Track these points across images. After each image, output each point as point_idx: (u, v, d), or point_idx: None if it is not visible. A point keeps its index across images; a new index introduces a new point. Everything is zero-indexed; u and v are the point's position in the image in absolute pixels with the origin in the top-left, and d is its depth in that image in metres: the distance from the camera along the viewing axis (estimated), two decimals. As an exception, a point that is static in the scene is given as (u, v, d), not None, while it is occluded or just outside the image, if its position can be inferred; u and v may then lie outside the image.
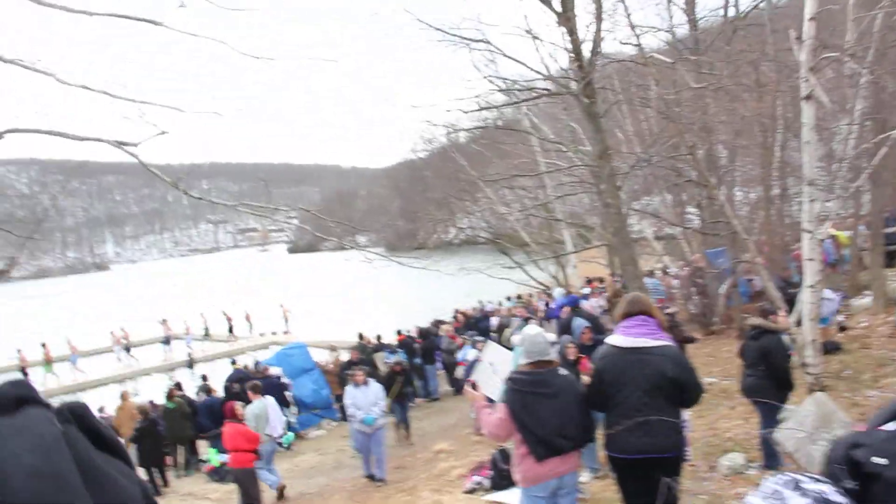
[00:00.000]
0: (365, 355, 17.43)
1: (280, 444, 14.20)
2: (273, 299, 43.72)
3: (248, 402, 11.83)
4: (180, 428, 14.49)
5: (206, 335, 37.27)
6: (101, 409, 14.83)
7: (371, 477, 11.28)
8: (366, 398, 10.94)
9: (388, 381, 13.53)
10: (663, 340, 4.75)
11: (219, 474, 14.08)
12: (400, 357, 15.07)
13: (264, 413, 12.17)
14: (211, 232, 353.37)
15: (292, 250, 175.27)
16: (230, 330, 38.07)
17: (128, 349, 34.19)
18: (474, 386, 5.48)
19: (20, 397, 0.93)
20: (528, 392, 4.79)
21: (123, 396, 15.09)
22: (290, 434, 15.22)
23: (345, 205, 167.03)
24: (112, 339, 34.53)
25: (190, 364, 31.75)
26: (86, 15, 5.86)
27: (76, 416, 0.98)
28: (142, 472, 14.17)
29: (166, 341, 35.49)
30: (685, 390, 4.65)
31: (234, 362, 18.27)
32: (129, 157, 6.42)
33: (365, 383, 11.05)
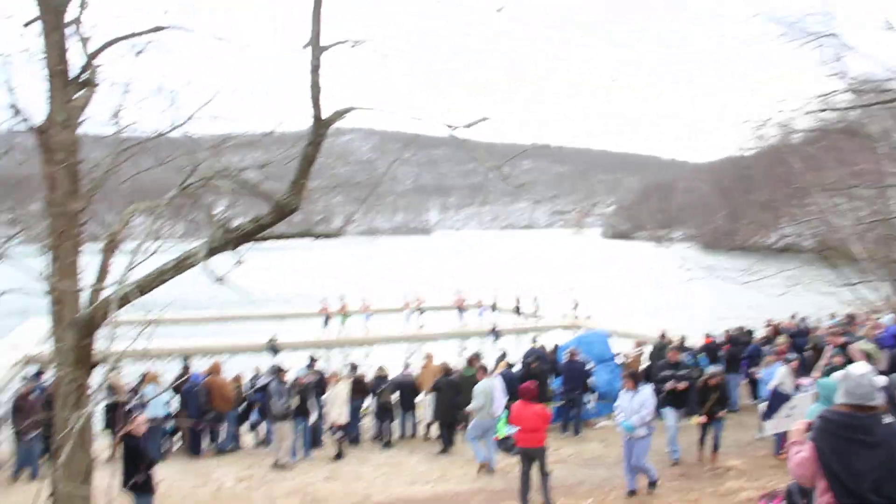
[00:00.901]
0: (659, 355, 16.99)
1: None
2: (574, 283, 44.38)
3: (544, 381, 12.41)
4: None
5: (494, 309, 38.73)
6: (406, 366, 16.38)
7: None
8: (631, 403, 10.78)
9: (701, 395, 12.59)
10: None
11: (503, 445, 14.45)
12: (717, 368, 13.57)
13: (490, 392, 12.94)
14: (528, 210, 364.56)
15: (606, 236, 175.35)
16: (517, 310, 39.13)
17: (420, 312, 36.75)
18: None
19: None
20: (842, 437, 4.17)
21: (427, 357, 16.66)
22: (502, 422, 15.30)
23: (662, 197, 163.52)
24: (404, 302, 37.16)
25: (495, 335, 33.69)
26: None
27: None
28: (435, 428, 15.56)
29: (461, 310, 37.48)
30: None
31: (535, 340, 18.97)
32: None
33: (635, 389, 10.84)
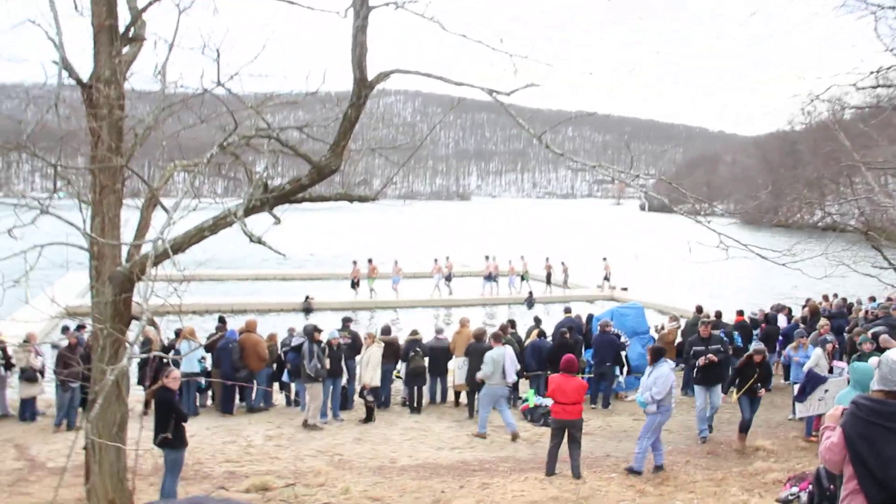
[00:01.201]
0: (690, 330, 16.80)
1: (512, 392, 14.89)
2: (611, 254, 43.94)
3: (577, 352, 12.42)
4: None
5: (524, 279, 38.34)
6: (439, 331, 16.37)
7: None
8: (647, 379, 10.83)
9: (742, 373, 12.32)
10: None
11: (532, 415, 14.78)
12: (760, 345, 13.45)
13: (501, 359, 13.08)
14: (568, 179, 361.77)
15: (645, 208, 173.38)
16: (548, 280, 38.67)
17: (448, 279, 36.52)
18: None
19: None
20: (873, 423, 4.14)
21: (462, 322, 16.66)
22: (531, 392, 15.56)
23: (707, 169, 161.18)
24: (435, 266, 36.92)
25: (529, 304, 33.65)
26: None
27: None
28: (465, 394, 15.67)
29: (490, 278, 36.84)
30: None
31: (567, 310, 18.87)
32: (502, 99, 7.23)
33: (653, 364, 10.79)
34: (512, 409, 14.36)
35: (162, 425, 9.10)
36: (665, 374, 10.68)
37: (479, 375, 13.54)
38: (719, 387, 12.98)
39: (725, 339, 14.80)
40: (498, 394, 13.34)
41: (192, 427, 10.16)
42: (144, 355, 11.82)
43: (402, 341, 16.25)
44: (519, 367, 14.03)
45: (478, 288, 37.49)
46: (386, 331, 16.29)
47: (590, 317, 18.38)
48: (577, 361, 10.95)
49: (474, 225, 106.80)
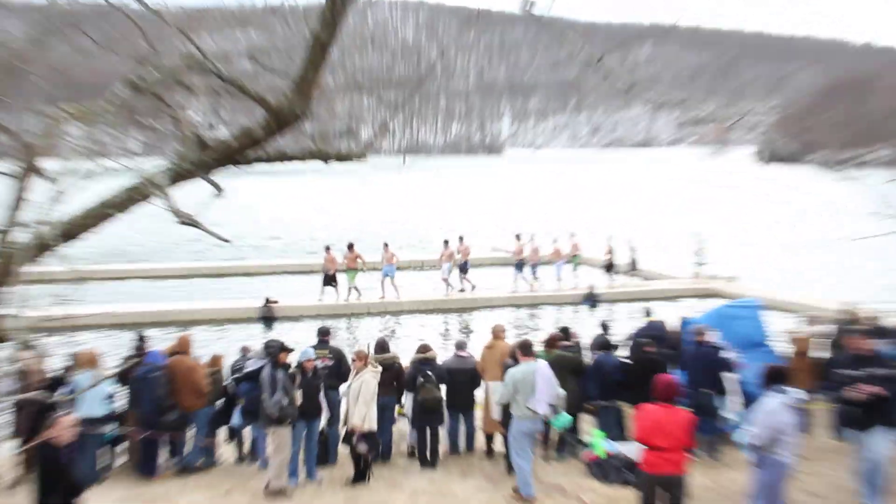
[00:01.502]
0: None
1: (548, 426, 14.45)
2: (709, 228, 43.56)
3: (661, 370, 12.15)
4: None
5: (576, 264, 37.79)
6: (461, 346, 16.06)
7: None
8: (757, 411, 10.73)
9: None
10: None
11: (603, 469, 14.48)
12: None
13: (529, 380, 12.76)
14: (644, 119, 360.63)
15: (761, 158, 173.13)
16: (609, 267, 37.81)
17: (464, 269, 36.13)
18: None
19: None
20: None
21: (496, 332, 16.39)
22: (566, 415, 14.37)
23: (855, 97, 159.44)
24: (444, 252, 36.19)
25: (591, 302, 33.70)
26: None
27: None
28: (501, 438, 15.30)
29: (525, 266, 36.62)
30: None
31: (648, 312, 18.59)
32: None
33: (768, 388, 10.70)
34: (572, 459, 14.30)
35: (47, 497, 8.96)
36: (772, 410, 10.53)
37: (495, 401, 13.53)
38: (888, 431, 12.40)
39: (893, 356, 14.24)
40: (530, 430, 13.21)
41: (94, 500, 10.05)
42: (17, 396, 11.71)
43: (406, 362, 16.09)
44: (561, 391, 13.60)
45: (508, 280, 37.20)
46: (382, 347, 16.06)
47: (682, 321, 18.08)
48: (677, 384, 10.76)
49: (506, 189, 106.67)
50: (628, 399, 14.93)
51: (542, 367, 13.33)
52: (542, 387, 13.00)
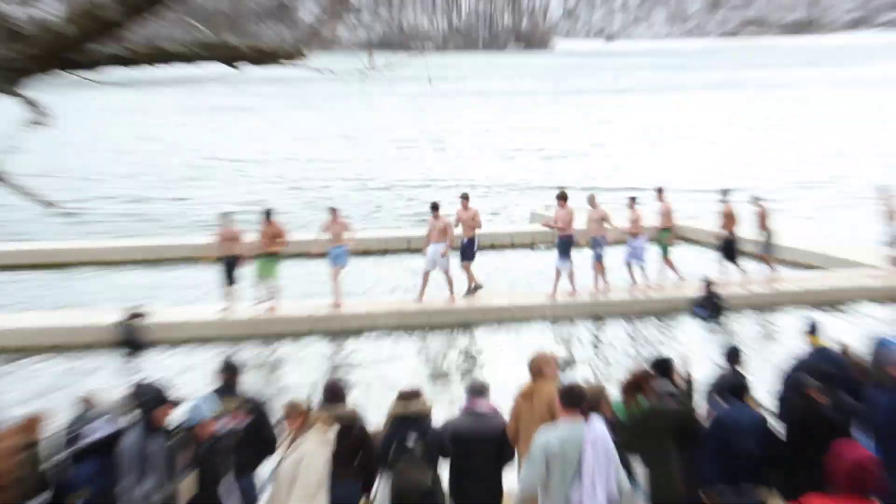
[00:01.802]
0: None
1: None
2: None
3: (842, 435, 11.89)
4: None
5: (665, 248, 35.98)
6: (477, 392, 14.96)
7: None
8: None
9: None
10: None
11: None
12: None
13: (572, 454, 11.66)
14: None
15: None
16: (727, 247, 35.92)
17: (467, 252, 33.35)
18: None
19: None
20: None
21: (537, 366, 15.17)
22: None
23: None
24: (434, 225, 33.26)
25: (706, 310, 31.35)
26: None
27: None
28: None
29: (569, 242, 33.44)
30: None
31: (812, 329, 17.62)
32: None
33: None
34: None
35: None
36: None
37: (519, 490, 12.43)
38: None
39: None
40: None
41: None
42: None
43: (376, 420, 14.94)
44: (626, 483, 12.52)
45: (549, 268, 34.76)
46: (335, 394, 14.78)
47: (882, 344, 16.41)
48: (873, 463, 9.41)
49: (548, 116, 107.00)
50: (778, 485, 13.92)
51: (598, 431, 12.10)
52: (593, 466, 11.77)
